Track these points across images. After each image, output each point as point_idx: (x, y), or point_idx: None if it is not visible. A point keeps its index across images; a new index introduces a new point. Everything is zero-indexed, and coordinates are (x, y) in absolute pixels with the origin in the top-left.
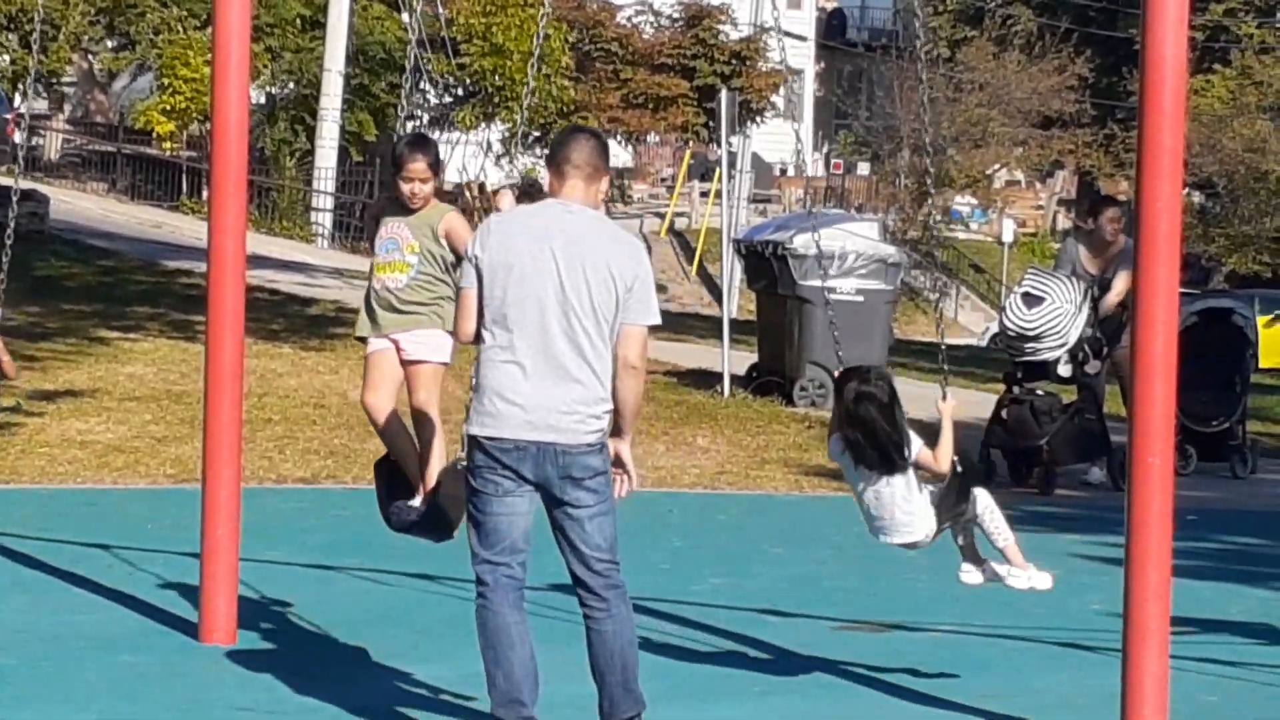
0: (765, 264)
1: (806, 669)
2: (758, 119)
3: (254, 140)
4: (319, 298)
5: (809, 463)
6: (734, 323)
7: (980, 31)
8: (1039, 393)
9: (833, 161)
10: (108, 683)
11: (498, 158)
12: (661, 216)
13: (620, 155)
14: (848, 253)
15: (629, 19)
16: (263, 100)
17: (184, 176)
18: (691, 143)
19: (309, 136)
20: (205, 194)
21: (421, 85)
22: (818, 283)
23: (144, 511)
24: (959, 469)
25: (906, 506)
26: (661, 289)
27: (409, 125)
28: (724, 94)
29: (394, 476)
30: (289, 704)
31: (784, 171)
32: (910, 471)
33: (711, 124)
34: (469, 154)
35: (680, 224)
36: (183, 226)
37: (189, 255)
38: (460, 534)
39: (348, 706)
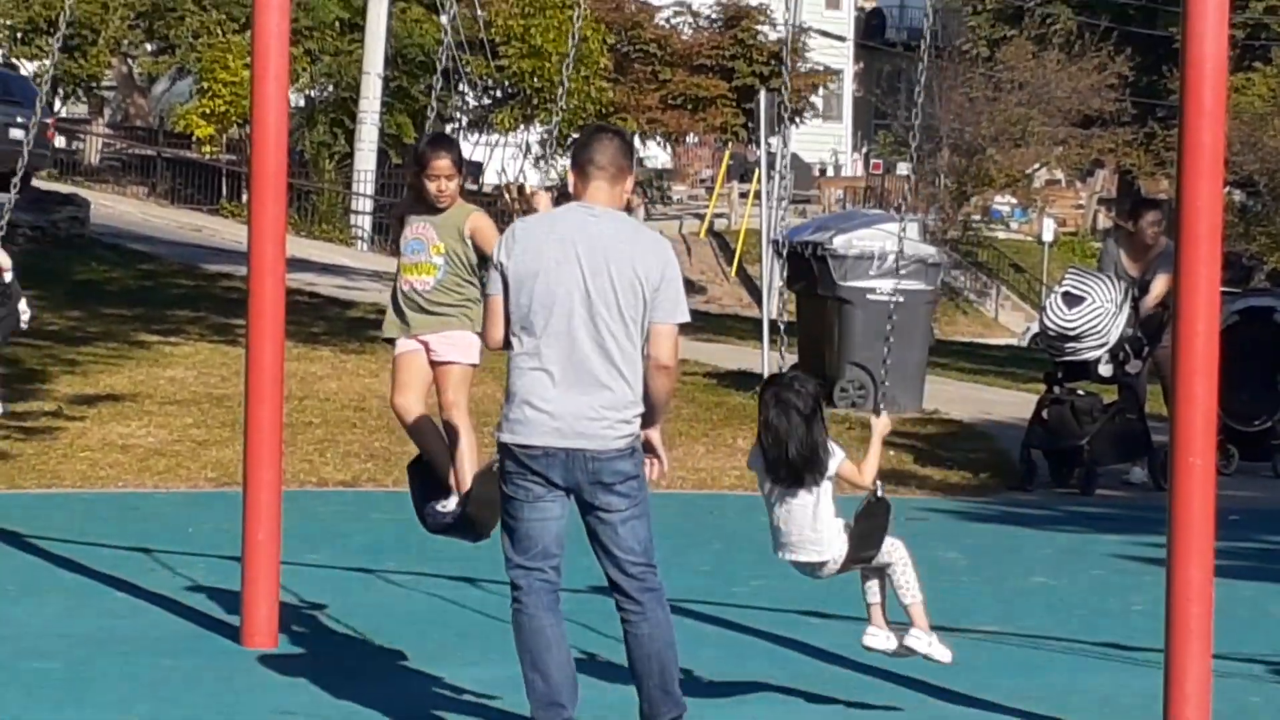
0: (805, 265)
1: (847, 671)
2: (797, 119)
3: (293, 143)
4: (358, 300)
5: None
6: (773, 324)
7: (1020, 30)
8: (1080, 393)
9: (872, 162)
10: (149, 686)
11: (536, 159)
12: (701, 218)
13: (659, 156)
14: (887, 253)
15: (667, 20)
16: (302, 103)
17: (224, 180)
18: (730, 143)
19: (348, 139)
20: (245, 197)
21: (460, 87)
22: (858, 283)
23: (185, 515)
24: (879, 494)
25: (815, 524)
26: (701, 290)
27: (448, 128)
28: (763, 95)
29: (427, 478)
30: (330, 708)
31: (823, 172)
32: (825, 490)
33: (750, 124)
34: (508, 156)
35: (719, 225)
36: (222, 230)
37: (229, 259)
38: (496, 533)
39: (388, 710)
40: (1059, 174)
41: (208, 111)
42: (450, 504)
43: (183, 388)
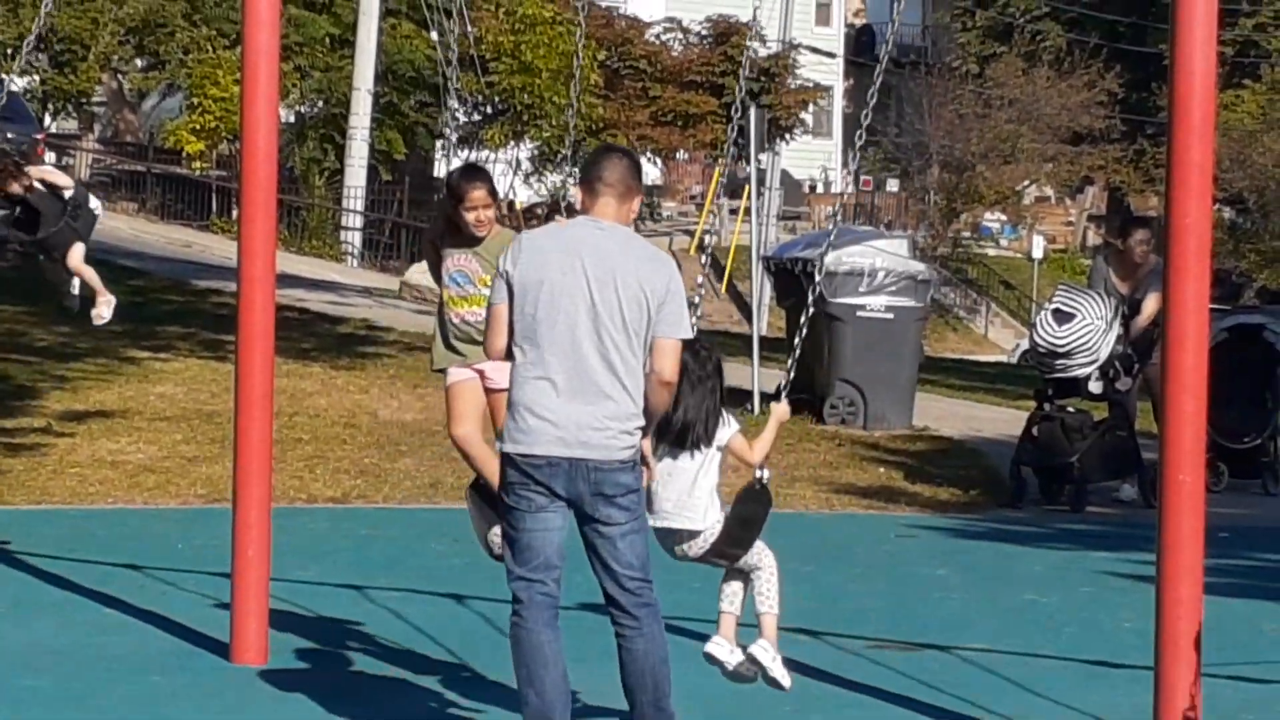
0: (795, 281)
1: (837, 688)
2: (787, 136)
3: (283, 159)
4: (348, 316)
5: (839, 480)
6: (764, 340)
7: (1010, 47)
8: (1070, 409)
9: (862, 178)
10: (139, 703)
11: (526, 176)
12: (691, 234)
13: (649, 173)
14: (877, 270)
15: (658, 36)
16: (292, 119)
17: (214, 196)
18: (720, 160)
19: (338, 155)
20: (235, 213)
21: (450, 103)
22: (847, 300)
23: (175, 531)
24: (764, 481)
25: (694, 490)
26: (691, 306)
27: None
28: (753, 111)
29: (488, 504)
30: None
31: (813, 188)
32: (711, 460)
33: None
34: (498, 172)
35: (709, 241)
36: (212, 246)
37: (219, 275)
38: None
39: None
40: (1049, 191)
41: (198, 127)
42: None
43: (172, 404)
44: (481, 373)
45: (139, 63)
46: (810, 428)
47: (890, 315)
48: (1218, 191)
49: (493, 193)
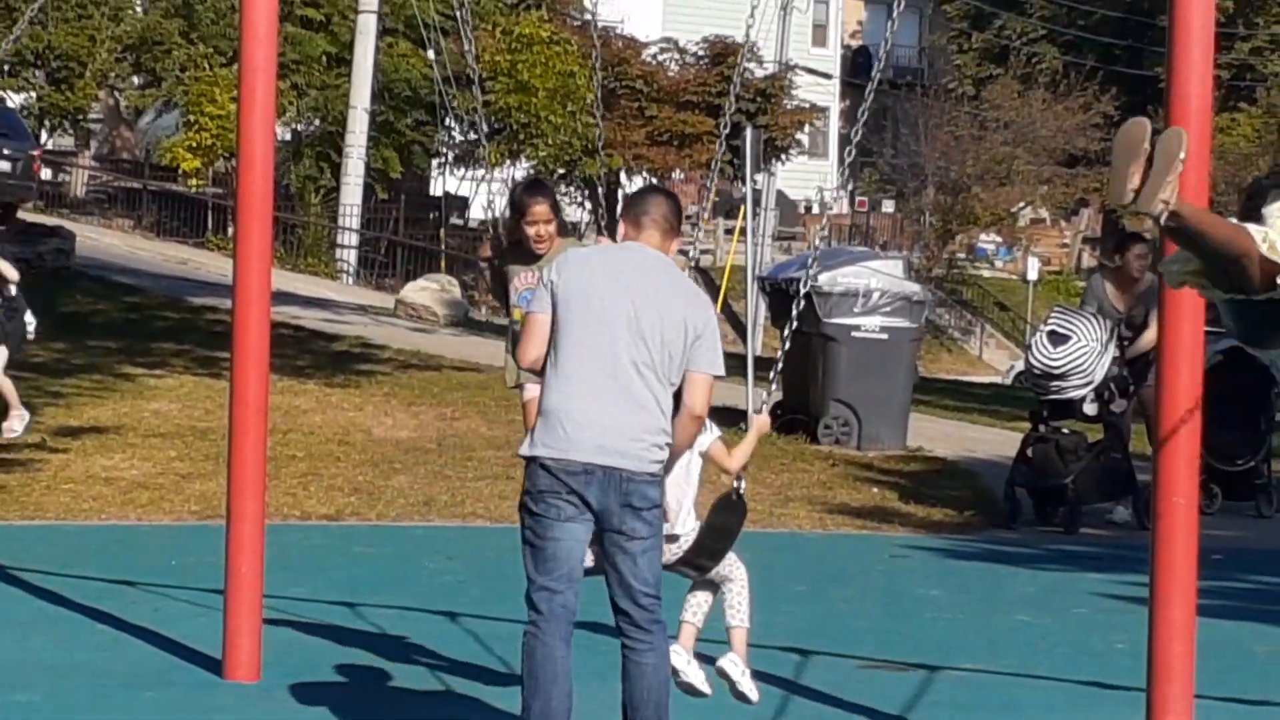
0: (789, 301)
1: (830, 708)
2: (782, 156)
3: (279, 177)
4: (343, 334)
5: (833, 501)
6: (758, 360)
7: (1005, 70)
8: (1064, 431)
9: (857, 199)
10: (131, 718)
11: None
12: (685, 253)
13: None
14: (872, 290)
15: (654, 56)
16: (288, 137)
17: (209, 213)
18: (708, 177)
19: (334, 173)
20: (230, 230)
21: (446, 122)
22: (842, 320)
23: (168, 548)
24: (741, 491)
25: (675, 493)
26: None
27: (434, 162)
28: (749, 131)
29: None
30: None
31: (809, 209)
32: (692, 465)
33: (736, 161)
34: (494, 190)
35: (704, 261)
36: (208, 263)
37: (214, 292)
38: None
39: None
40: (1044, 213)
41: (194, 145)
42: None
43: (167, 420)
44: None
45: (136, 80)
46: (804, 447)
47: (885, 336)
48: None
49: (554, 207)
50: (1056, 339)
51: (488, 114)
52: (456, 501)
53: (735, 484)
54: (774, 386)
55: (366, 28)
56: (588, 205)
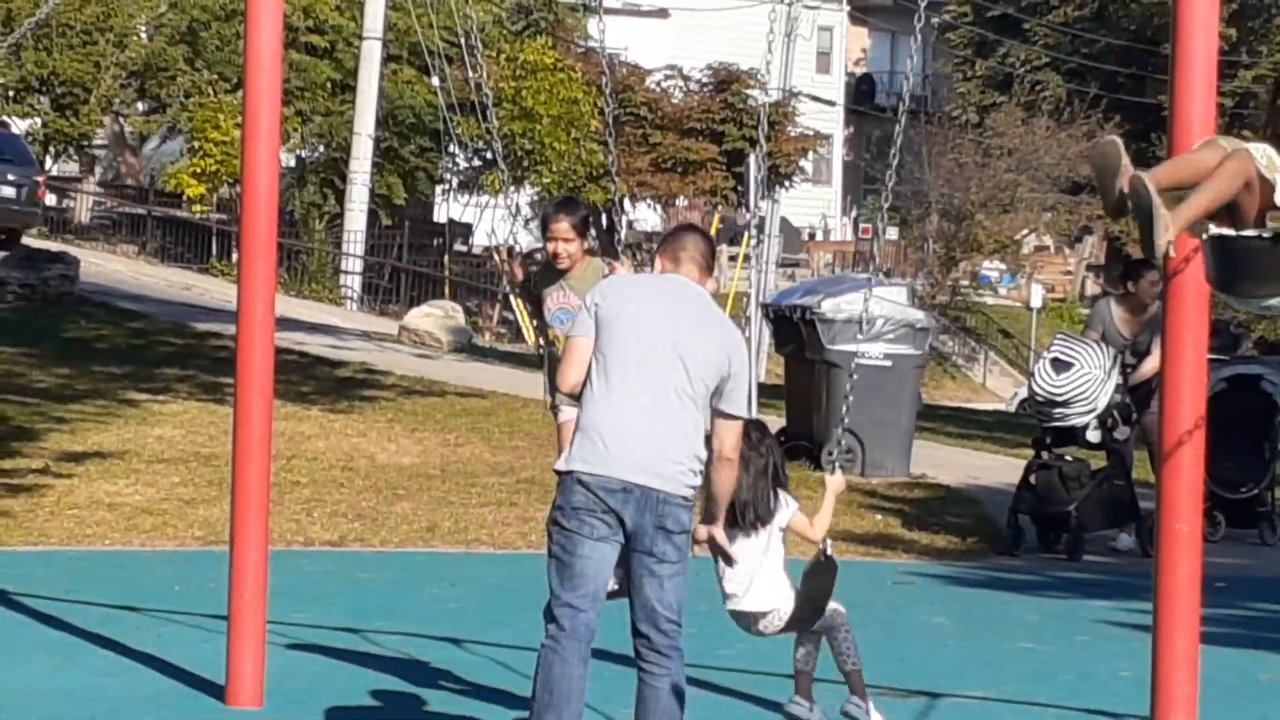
0: (793, 328)
1: None
2: (786, 183)
3: (284, 203)
4: (348, 360)
5: (836, 527)
6: (762, 387)
7: (1009, 97)
8: (1067, 458)
9: (861, 226)
10: None
11: (526, 221)
12: None
13: (649, 219)
14: (876, 317)
15: (658, 83)
16: (292, 163)
17: (214, 239)
18: (720, 207)
19: (338, 199)
20: (235, 256)
21: (451, 149)
22: (846, 347)
23: (172, 574)
24: (828, 553)
25: (762, 572)
26: None
27: (438, 189)
28: (753, 158)
29: None
30: None
31: (812, 236)
32: (774, 539)
33: (740, 188)
34: (498, 217)
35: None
36: (212, 289)
37: (218, 318)
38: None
39: None
40: (1047, 240)
41: (198, 171)
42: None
43: (171, 446)
44: None
45: (140, 106)
46: (808, 475)
47: (889, 363)
48: None
49: (576, 227)
50: (1060, 366)
51: (491, 141)
52: (460, 528)
53: (822, 546)
54: (840, 445)
55: (371, 54)
56: (593, 232)
